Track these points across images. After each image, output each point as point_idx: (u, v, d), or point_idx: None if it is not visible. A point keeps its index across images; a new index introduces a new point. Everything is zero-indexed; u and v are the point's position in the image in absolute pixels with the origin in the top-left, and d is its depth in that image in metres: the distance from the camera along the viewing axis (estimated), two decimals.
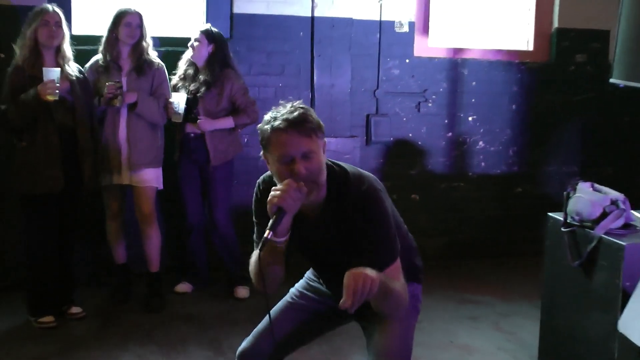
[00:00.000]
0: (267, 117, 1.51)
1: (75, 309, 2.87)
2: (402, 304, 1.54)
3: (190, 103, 3.05)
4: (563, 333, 2.29)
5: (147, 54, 2.96)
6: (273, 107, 1.53)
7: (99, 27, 3.10)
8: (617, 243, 1.99)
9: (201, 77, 3.06)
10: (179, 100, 2.96)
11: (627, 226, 2.09)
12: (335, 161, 1.61)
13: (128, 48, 2.93)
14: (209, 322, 2.88)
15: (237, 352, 1.71)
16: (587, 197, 2.13)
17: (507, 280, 3.57)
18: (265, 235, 1.45)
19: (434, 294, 3.29)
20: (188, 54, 3.12)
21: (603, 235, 2.05)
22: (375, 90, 3.71)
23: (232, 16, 3.44)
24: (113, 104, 2.85)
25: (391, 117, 3.74)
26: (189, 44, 3.10)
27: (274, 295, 1.80)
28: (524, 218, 3.98)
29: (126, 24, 2.86)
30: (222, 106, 3.08)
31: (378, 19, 3.65)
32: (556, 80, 3.98)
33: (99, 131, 2.91)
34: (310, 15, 3.53)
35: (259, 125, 1.53)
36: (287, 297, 1.79)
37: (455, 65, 3.83)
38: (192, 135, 3.10)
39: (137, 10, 2.91)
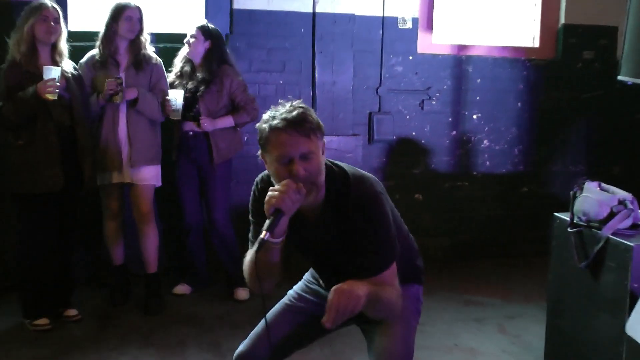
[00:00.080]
0: (265, 116, 1.51)
1: (71, 312, 2.86)
2: (394, 310, 1.55)
3: (189, 101, 3.04)
4: (569, 336, 2.29)
5: (145, 49, 2.95)
6: (272, 106, 1.53)
7: (94, 23, 3.10)
8: (625, 244, 1.99)
9: (199, 75, 3.05)
10: (176, 97, 2.95)
11: (636, 226, 2.08)
12: (335, 161, 1.60)
13: (126, 43, 2.93)
14: (208, 324, 2.88)
15: (234, 355, 1.71)
16: (594, 197, 2.12)
17: (512, 281, 3.57)
18: (262, 236, 1.45)
19: (437, 295, 3.29)
20: (184, 51, 3.11)
21: (610, 236, 2.04)
22: (377, 88, 3.71)
23: (232, 12, 3.44)
24: (113, 101, 2.85)
25: (394, 115, 3.74)
26: (184, 41, 3.09)
27: (272, 297, 1.80)
28: (530, 218, 3.98)
29: (127, 17, 2.85)
30: (222, 104, 3.08)
31: (381, 14, 3.65)
32: (563, 77, 3.97)
33: (98, 129, 2.90)
34: (311, 11, 3.52)
35: (257, 124, 1.53)
36: (284, 300, 1.79)
37: (459, 62, 3.82)
38: (191, 133, 3.10)
39: (136, 4, 2.90)
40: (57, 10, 2.67)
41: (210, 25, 3.10)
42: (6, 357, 2.52)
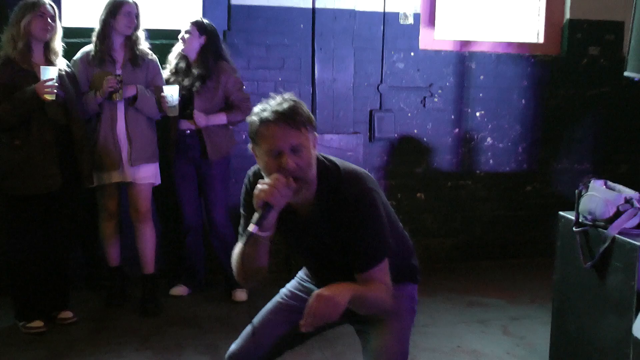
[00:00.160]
0: (256, 109, 1.52)
1: (66, 314, 2.85)
2: (383, 307, 1.56)
3: (185, 99, 3.03)
4: (575, 337, 2.28)
5: (141, 45, 2.95)
6: (263, 99, 1.54)
7: (86, 20, 3.09)
8: (632, 243, 1.98)
9: (195, 71, 3.05)
10: (171, 92, 2.94)
11: None
12: (328, 156, 1.60)
13: (121, 39, 2.92)
14: (206, 326, 2.87)
15: (226, 355, 1.71)
16: (600, 196, 2.11)
17: (517, 282, 3.56)
18: (250, 229, 1.47)
19: (439, 297, 3.29)
20: (178, 47, 3.10)
21: (617, 235, 2.03)
22: (378, 85, 3.70)
23: (230, 8, 3.43)
24: (113, 99, 2.84)
25: (395, 113, 3.73)
26: (179, 36, 3.08)
27: (269, 296, 1.80)
28: (534, 218, 3.97)
29: (125, 13, 2.85)
30: (218, 100, 3.07)
31: (382, 10, 3.64)
32: (568, 74, 3.96)
33: (96, 127, 2.89)
34: (311, 6, 3.52)
35: (247, 117, 1.54)
36: (277, 297, 1.80)
37: (462, 59, 3.81)
38: (188, 132, 3.09)
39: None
40: (53, 8, 2.67)
41: (205, 21, 3.10)
42: None
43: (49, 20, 2.63)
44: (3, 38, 2.65)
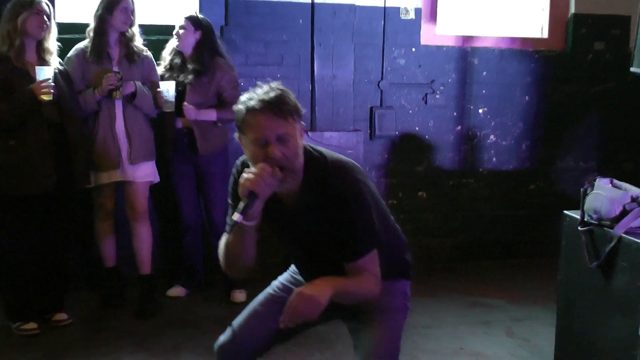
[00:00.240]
0: (243, 98, 1.53)
1: (60, 316, 2.85)
2: (369, 296, 1.58)
3: (181, 95, 3.02)
4: (580, 339, 2.28)
5: (136, 41, 2.95)
6: (250, 88, 1.55)
7: (80, 15, 3.08)
8: (638, 243, 1.97)
9: (190, 67, 3.04)
10: (167, 87, 2.93)
11: None
12: (315, 147, 1.62)
13: (116, 35, 2.92)
14: (204, 328, 2.87)
15: (216, 347, 1.73)
16: (605, 194, 2.11)
17: (520, 282, 3.56)
18: (234, 218, 1.48)
19: (441, 297, 3.29)
20: (173, 43, 3.09)
21: (623, 235, 2.02)
22: (379, 82, 3.69)
23: (227, 2, 3.42)
24: (113, 96, 2.84)
25: (396, 110, 3.72)
26: (173, 32, 3.07)
27: (259, 288, 1.82)
28: (538, 217, 3.97)
29: (123, 9, 2.85)
30: (210, 95, 3.05)
31: (382, 5, 3.63)
32: (573, 69, 3.95)
33: (94, 126, 2.89)
34: (310, 1, 3.51)
35: (234, 106, 1.55)
36: (268, 289, 1.81)
37: (464, 55, 3.81)
38: (186, 130, 3.08)
39: None
40: (49, 7, 2.68)
41: (200, 15, 3.09)
42: None
43: (44, 18, 2.63)
44: None
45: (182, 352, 2.62)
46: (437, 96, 3.79)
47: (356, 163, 1.63)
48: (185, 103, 2.99)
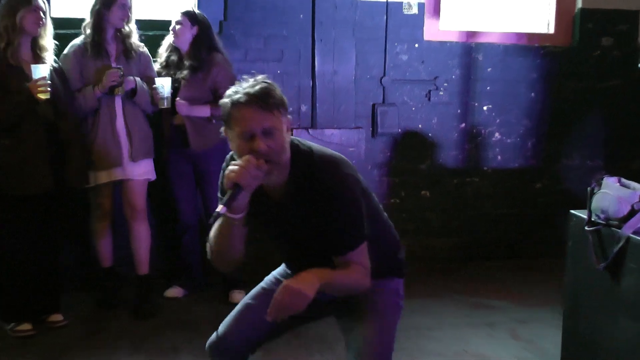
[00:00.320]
0: (228, 91, 1.54)
1: (56, 317, 2.84)
2: (359, 289, 1.60)
3: (177, 92, 3.01)
4: (587, 341, 2.27)
5: (133, 37, 2.94)
6: (236, 81, 1.56)
7: (73, 10, 3.06)
8: None
9: (187, 63, 3.02)
10: (163, 83, 2.93)
11: None
12: (303, 140, 1.63)
13: (112, 31, 2.91)
14: (202, 329, 2.85)
15: (207, 344, 1.76)
16: (613, 194, 2.10)
17: (526, 283, 3.55)
18: (217, 209, 1.49)
19: (444, 298, 3.28)
20: (169, 39, 3.07)
21: (631, 235, 2.01)
22: (381, 78, 3.68)
23: None
24: (115, 93, 2.83)
25: (399, 107, 3.71)
26: (170, 28, 3.06)
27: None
28: (544, 216, 3.95)
29: (121, 5, 2.84)
30: (205, 91, 3.02)
31: None
32: (579, 66, 3.94)
33: (94, 124, 2.88)
34: None
35: (220, 100, 1.56)
36: (261, 284, 1.83)
37: (468, 50, 3.79)
38: (182, 128, 3.07)
39: None
40: (45, 5, 2.68)
41: (196, 10, 3.07)
42: None
43: (41, 14, 2.63)
44: None
45: (180, 354, 2.62)
46: (441, 93, 3.78)
47: (345, 158, 1.63)
48: (177, 98, 2.98)
